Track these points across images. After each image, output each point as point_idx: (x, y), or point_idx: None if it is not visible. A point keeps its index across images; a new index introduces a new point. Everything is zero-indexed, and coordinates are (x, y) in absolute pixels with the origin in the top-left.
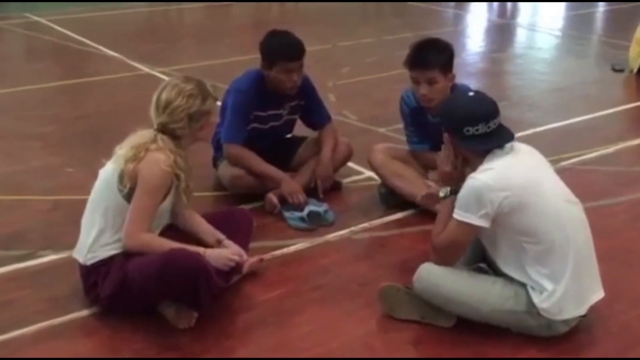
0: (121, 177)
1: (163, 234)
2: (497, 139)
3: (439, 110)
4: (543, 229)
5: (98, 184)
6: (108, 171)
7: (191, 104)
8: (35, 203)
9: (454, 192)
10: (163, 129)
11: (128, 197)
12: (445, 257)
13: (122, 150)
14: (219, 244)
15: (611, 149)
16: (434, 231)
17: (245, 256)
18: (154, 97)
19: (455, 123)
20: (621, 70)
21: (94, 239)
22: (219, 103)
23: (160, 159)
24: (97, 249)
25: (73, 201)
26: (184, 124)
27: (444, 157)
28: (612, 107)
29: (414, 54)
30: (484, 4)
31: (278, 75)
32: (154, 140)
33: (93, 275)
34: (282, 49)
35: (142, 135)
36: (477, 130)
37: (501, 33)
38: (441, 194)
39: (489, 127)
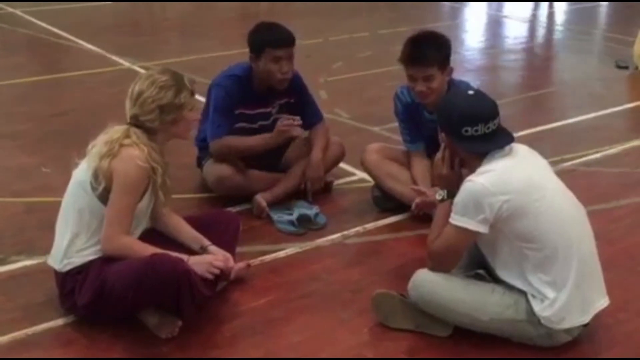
0: (96, 175)
1: (144, 239)
2: (496, 140)
3: (436, 109)
4: (545, 234)
5: (71, 185)
6: (81, 171)
7: (163, 95)
8: (8, 205)
9: (451, 195)
10: (136, 122)
11: (102, 196)
12: (441, 263)
13: (96, 148)
14: (203, 250)
15: (615, 149)
16: (430, 236)
17: (231, 262)
18: (129, 89)
19: (453, 123)
20: (626, 67)
21: (69, 244)
22: (200, 98)
23: (135, 154)
24: (72, 255)
25: (48, 204)
26: (154, 116)
27: (440, 159)
28: (616, 106)
29: (411, 50)
30: None
31: (267, 65)
32: (127, 135)
33: (70, 283)
34: (270, 36)
35: (115, 130)
36: (476, 131)
37: (500, 27)
38: (438, 197)
39: (488, 128)
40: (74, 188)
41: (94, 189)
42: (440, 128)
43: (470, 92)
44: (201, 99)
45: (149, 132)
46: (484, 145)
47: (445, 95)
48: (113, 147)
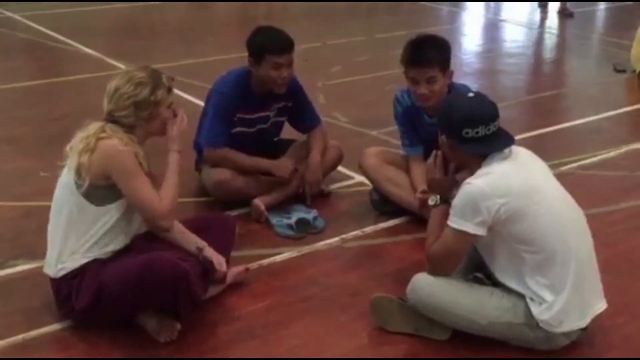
0: (78, 172)
1: (140, 240)
2: (497, 142)
3: (437, 111)
4: (543, 237)
5: (57, 190)
6: (64, 173)
7: (138, 91)
8: (7, 210)
9: (444, 200)
10: (112, 119)
11: (88, 194)
12: (440, 266)
13: (73, 147)
14: (199, 251)
15: (614, 152)
16: (428, 240)
17: (224, 266)
18: (107, 86)
19: (454, 125)
20: (623, 71)
21: (61, 248)
22: (197, 101)
23: (114, 142)
24: (66, 259)
25: (47, 208)
26: (129, 112)
27: (433, 164)
28: (614, 109)
29: (413, 51)
30: None
31: (267, 71)
32: (103, 130)
33: (65, 288)
34: (270, 42)
35: (90, 127)
36: (477, 132)
37: (498, 31)
38: (430, 202)
39: (489, 130)
40: (60, 191)
41: (78, 186)
42: (441, 130)
43: (471, 94)
44: (199, 102)
45: (125, 127)
46: (484, 147)
47: (445, 98)
48: (89, 141)
